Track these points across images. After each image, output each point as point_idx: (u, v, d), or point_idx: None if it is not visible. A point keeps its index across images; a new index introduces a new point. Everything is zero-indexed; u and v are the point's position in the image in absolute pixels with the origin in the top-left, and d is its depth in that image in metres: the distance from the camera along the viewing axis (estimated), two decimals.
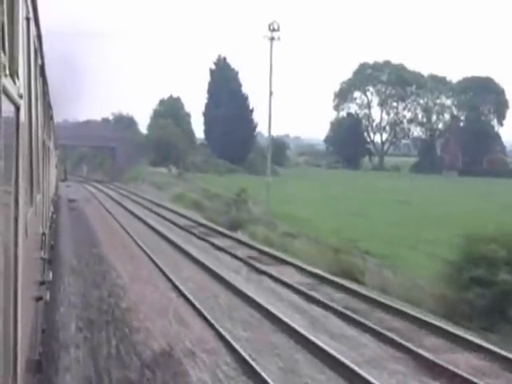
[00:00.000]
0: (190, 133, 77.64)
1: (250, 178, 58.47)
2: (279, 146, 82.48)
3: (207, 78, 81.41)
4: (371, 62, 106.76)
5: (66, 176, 66.91)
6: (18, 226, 2.59)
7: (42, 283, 5.24)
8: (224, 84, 77.37)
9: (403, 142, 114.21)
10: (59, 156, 40.60)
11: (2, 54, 2.05)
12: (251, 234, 24.15)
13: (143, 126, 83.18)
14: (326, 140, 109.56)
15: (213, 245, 20.34)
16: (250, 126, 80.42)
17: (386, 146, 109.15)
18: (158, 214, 29.67)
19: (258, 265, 16.55)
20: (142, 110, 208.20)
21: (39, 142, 5.65)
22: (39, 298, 4.66)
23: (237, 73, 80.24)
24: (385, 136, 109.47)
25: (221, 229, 25.11)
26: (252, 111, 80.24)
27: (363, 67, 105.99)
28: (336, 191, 46.92)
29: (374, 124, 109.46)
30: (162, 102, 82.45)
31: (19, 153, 2.66)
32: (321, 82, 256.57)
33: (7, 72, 2.21)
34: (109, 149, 71.49)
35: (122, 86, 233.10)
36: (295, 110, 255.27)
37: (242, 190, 31.44)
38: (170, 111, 77.49)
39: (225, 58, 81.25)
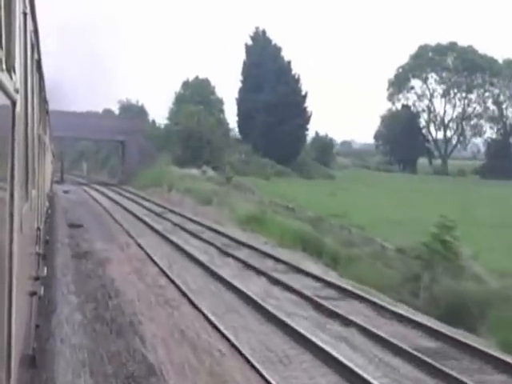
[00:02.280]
0: (224, 124, 74.28)
1: (305, 183, 59.14)
2: (325, 146, 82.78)
3: (239, 56, 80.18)
4: (433, 43, 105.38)
5: (62, 177, 66.38)
6: (13, 220, 3.13)
7: (37, 278, 6.31)
8: (266, 63, 74.21)
9: (473, 140, 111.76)
10: (54, 151, 40.46)
11: None
12: None
13: (157, 118, 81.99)
14: (376, 137, 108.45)
15: None
16: (303, 116, 76.72)
17: (450, 146, 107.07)
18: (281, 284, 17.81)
19: None
20: (153, 99, 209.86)
21: (35, 136, 6.72)
22: (33, 293, 5.55)
23: (280, 49, 77.84)
24: (449, 134, 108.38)
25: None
26: (305, 97, 76.78)
27: (423, 50, 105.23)
28: (447, 207, 34.98)
29: (436, 119, 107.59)
30: (185, 84, 79.06)
31: (15, 148, 3.23)
32: (368, 70, 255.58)
33: (4, 67, 2.68)
34: (116, 143, 70.91)
35: (126, 69, 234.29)
36: (338, 105, 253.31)
37: (445, 226, 19.20)
38: (198, 96, 74.05)
39: (264, 31, 78.70)
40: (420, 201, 44.23)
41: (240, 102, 77.51)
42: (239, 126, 78.65)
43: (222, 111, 77.47)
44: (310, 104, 75.95)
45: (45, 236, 12.58)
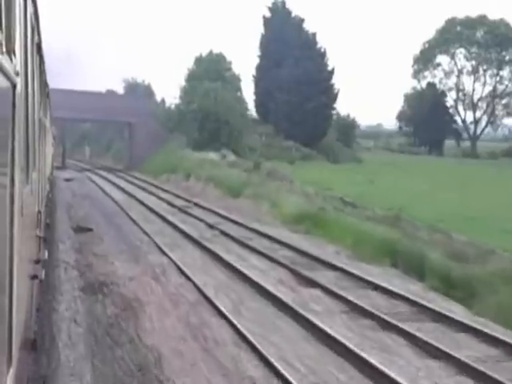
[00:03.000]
0: (242, 103, 72.00)
1: (333, 168, 58.23)
2: (347, 127, 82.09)
3: (255, 30, 79.46)
4: (461, 16, 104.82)
5: (64, 162, 66.82)
6: (13, 204, 3.35)
7: (38, 262, 6.69)
8: (287, 36, 72.93)
9: (504, 121, 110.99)
10: (55, 134, 40.28)
11: None
12: None
13: (166, 98, 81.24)
14: (399, 117, 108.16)
15: None
16: (329, 94, 74.97)
17: (479, 127, 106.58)
18: None
19: None
20: (160, 78, 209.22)
21: (36, 119, 7.15)
22: (34, 277, 5.93)
23: (302, 21, 76.34)
24: (478, 114, 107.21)
25: None
26: (332, 73, 75.17)
27: (451, 24, 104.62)
28: None
29: (464, 97, 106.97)
30: (198, 60, 77.34)
31: (15, 130, 3.45)
32: (393, 46, 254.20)
33: (4, 49, 2.86)
34: (122, 125, 70.79)
35: (130, 45, 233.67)
36: (359, 83, 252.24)
37: None
38: (212, 72, 72.39)
39: (283, 2, 77.42)
40: (475, 189, 41.75)
41: (258, 80, 76.83)
42: (257, 106, 77.71)
43: (239, 89, 75.50)
44: (336, 81, 74.83)
45: (45, 219, 13.31)
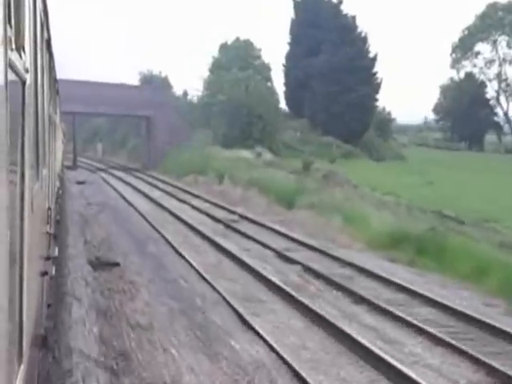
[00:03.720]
0: (273, 95, 72.61)
1: (378, 166, 58.13)
2: (383, 121, 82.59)
3: (284, 14, 79.66)
4: (504, 1, 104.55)
5: (75, 161, 66.52)
6: (23, 200, 3.74)
7: (48, 258, 7.41)
8: (323, 20, 73.08)
9: None
10: (64, 131, 40.19)
11: (9, 28, 2.91)
12: None
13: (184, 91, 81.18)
14: (435, 110, 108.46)
15: None
16: (372, 83, 75.42)
17: None
18: None
19: None
20: (177, 71, 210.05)
21: (45, 116, 7.86)
22: (45, 273, 6.50)
23: (340, 2, 76.46)
24: None
25: None
26: (374, 60, 75.50)
27: (492, 9, 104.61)
28: None
29: (507, 88, 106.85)
30: (224, 47, 78.30)
31: (25, 127, 3.86)
32: (430, 33, 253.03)
33: (13, 46, 3.15)
34: (138, 119, 71.28)
35: (141, 35, 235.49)
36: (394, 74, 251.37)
37: None
38: (240, 61, 73.54)
39: None
40: None
41: (288, 69, 76.95)
42: (287, 98, 78.12)
43: (269, 79, 76.68)
44: (380, 69, 75.81)
45: (56, 216, 14.04)
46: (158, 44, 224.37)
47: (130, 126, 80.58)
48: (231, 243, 23.84)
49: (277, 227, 27.76)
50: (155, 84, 78.39)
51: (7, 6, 2.85)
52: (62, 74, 19.98)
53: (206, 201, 37.29)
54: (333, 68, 70.03)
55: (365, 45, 74.89)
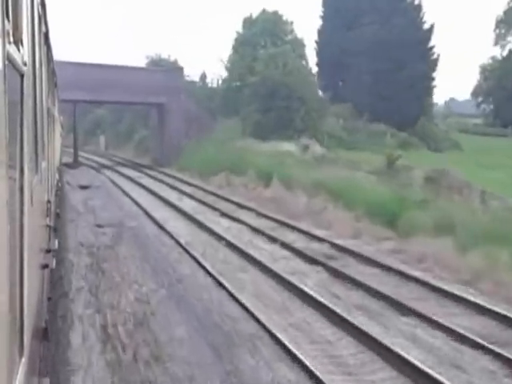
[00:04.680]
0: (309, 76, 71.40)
1: (439, 158, 55.18)
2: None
3: None
4: None
5: (76, 157, 66.02)
6: (23, 193, 4.33)
7: (48, 251, 8.49)
8: None
9: None
10: (64, 123, 40.79)
11: (6, 21, 3.31)
12: None
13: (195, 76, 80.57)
14: (475, 93, 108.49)
15: None
16: (428, 59, 74.73)
17: None
18: None
19: None
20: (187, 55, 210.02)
21: (44, 109, 9.06)
22: (45, 266, 7.49)
23: None
24: None
25: None
26: (431, 32, 74.92)
27: None
28: None
29: None
30: (248, 22, 77.69)
31: (24, 120, 4.47)
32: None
33: (11, 39, 3.60)
34: (148, 107, 71.23)
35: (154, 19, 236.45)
36: None
37: None
38: (269, 36, 73.30)
39: None
40: None
41: (322, 45, 76.76)
42: (321, 79, 77.73)
43: (303, 57, 75.61)
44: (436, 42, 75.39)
45: (55, 209, 15.87)
46: (166, 24, 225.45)
47: (136, 115, 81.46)
48: (367, 318, 16.60)
49: (407, 270, 21.21)
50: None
51: (5, 0, 3.26)
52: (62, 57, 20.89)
53: (261, 215, 32.64)
54: (381, 42, 69.15)
55: (419, 14, 74.37)
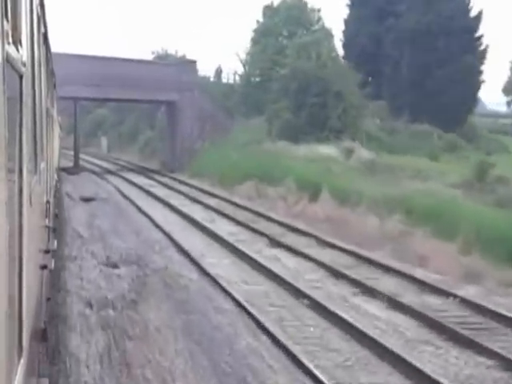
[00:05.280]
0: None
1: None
2: None
3: None
4: None
5: (77, 161, 65.17)
6: (22, 194, 4.72)
7: (47, 252, 9.31)
8: None
9: None
10: (61, 123, 40.54)
11: (5, 22, 3.55)
12: None
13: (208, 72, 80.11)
14: (506, 90, 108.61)
15: None
16: (475, 50, 73.35)
17: None
18: None
19: None
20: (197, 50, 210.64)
21: (43, 109, 9.88)
22: (44, 267, 8.17)
23: None
24: None
25: None
26: (479, 20, 73.59)
27: None
28: None
29: None
30: (269, 10, 76.81)
31: (23, 120, 4.91)
32: None
33: (10, 40, 3.88)
34: (156, 106, 71.36)
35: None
36: None
37: None
38: (296, 25, 72.72)
39: None
40: None
41: (350, 36, 75.64)
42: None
43: (332, 49, 74.33)
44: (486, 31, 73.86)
45: (54, 209, 17.30)
46: (173, 17, 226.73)
47: (140, 115, 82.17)
48: None
49: None
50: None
51: (4, 1, 3.47)
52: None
53: (324, 243, 28.28)
54: (423, 32, 67.74)
55: (463, 2, 72.98)
